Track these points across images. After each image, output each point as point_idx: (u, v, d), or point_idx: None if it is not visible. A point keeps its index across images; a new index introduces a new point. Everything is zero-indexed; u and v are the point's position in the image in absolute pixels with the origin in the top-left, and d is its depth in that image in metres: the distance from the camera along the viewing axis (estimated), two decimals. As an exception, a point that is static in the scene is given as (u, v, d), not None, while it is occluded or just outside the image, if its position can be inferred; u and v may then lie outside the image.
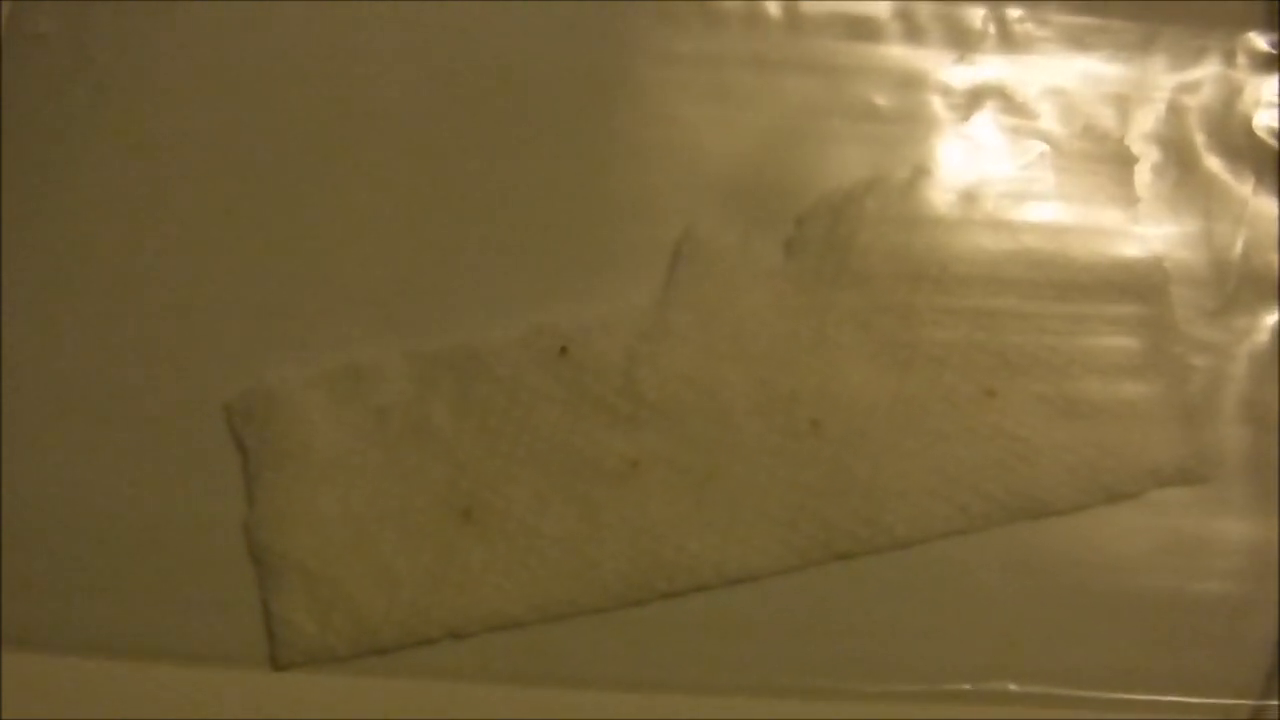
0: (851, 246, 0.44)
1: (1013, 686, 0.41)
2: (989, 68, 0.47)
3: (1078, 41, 0.47)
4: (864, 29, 0.47)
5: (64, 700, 0.40)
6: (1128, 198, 0.45)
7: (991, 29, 0.47)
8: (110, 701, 0.40)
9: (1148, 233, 0.45)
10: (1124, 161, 0.46)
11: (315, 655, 0.40)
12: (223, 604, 0.41)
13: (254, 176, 0.45)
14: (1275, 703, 0.41)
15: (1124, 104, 0.47)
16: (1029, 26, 0.47)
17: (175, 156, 0.45)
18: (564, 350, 0.42)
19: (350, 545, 0.41)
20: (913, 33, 0.47)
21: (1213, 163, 0.46)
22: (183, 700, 0.40)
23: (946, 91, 0.46)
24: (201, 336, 0.43)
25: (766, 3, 0.47)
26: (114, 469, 0.42)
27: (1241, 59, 0.47)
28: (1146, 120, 0.47)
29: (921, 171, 0.45)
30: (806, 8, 0.47)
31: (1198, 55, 0.47)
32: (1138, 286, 0.44)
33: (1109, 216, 0.45)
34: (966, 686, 0.41)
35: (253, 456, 0.42)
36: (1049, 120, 0.46)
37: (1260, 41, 0.47)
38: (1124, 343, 0.44)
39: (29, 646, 0.40)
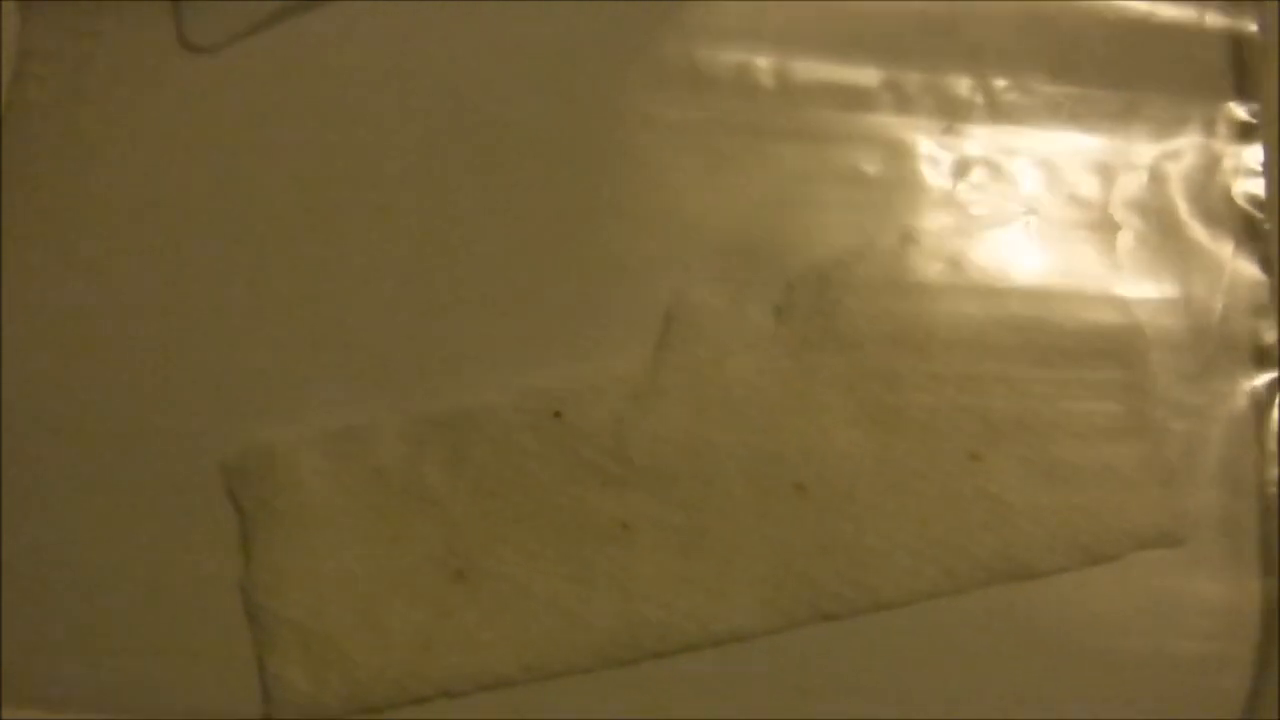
0: (839, 312, 0.44)
1: (992, 747, 0.42)
2: (975, 137, 0.47)
3: (1062, 111, 0.48)
4: (854, 98, 0.47)
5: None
6: (1110, 265, 0.46)
7: (979, 98, 0.48)
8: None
9: (1129, 299, 0.46)
10: (1107, 229, 0.47)
11: (309, 713, 0.41)
12: (217, 661, 0.41)
13: (252, 238, 0.45)
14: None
15: (1107, 172, 0.47)
16: (1014, 96, 0.48)
17: (173, 220, 0.45)
18: (558, 414, 0.43)
19: (345, 604, 0.41)
20: (902, 102, 0.47)
21: (1194, 230, 0.47)
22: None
23: (934, 160, 0.47)
24: (198, 396, 0.44)
25: (758, 71, 0.47)
26: (110, 526, 0.42)
27: (1221, 128, 0.48)
28: (1129, 188, 0.47)
29: (909, 238, 0.46)
30: (798, 76, 0.47)
31: (1178, 124, 0.48)
32: (1119, 352, 0.45)
33: (1092, 282, 0.46)
34: (947, 747, 0.42)
35: (248, 515, 0.42)
36: (1034, 188, 0.47)
37: (1239, 111, 0.48)
38: (1105, 407, 0.44)
39: (23, 703, 0.41)
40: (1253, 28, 0.49)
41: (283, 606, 0.41)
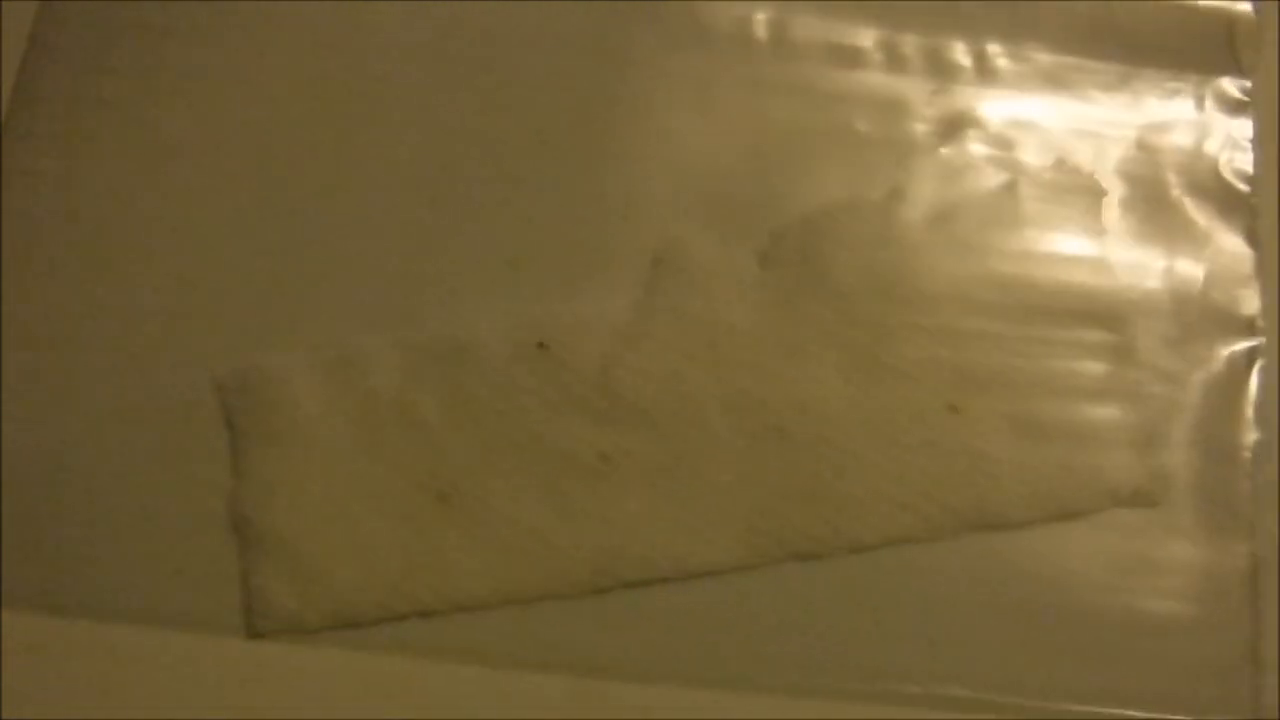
0: (826, 261, 0.45)
1: (960, 692, 0.42)
2: (967, 99, 0.48)
3: (1054, 78, 0.49)
4: (848, 56, 0.48)
5: (37, 659, 0.41)
6: (1095, 229, 0.47)
7: (971, 63, 0.49)
8: (85, 662, 0.41)
9: (1114, 263, 0.47)
10: (1093, 194, 0.47)
11: (289, 625, 0.41)
12: (203, 573, 0.42)
13: (260, 163, 0.46)
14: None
15: (1096, 140, 0.48)
16: (1008, 62, 0.49)
17: (179, 144, 0.47)
18: (542, 345, 0.44)
19: (330, 522, 0.42)
20: (895, 62, 0.48)
21: (1180, 200, 0.48)
22: (157, 663, 0.41)
23: (925, 119, 0.48)
24: (200, 317, 0.44)
25: (756, 24, 0.48)
26: (106, 439, 0.43)
27: (1212, 102, 0.49)
28: (1117, 156, 0.48)
29: (897, 194, 0.47)
30: (795, 33, 0.48)
31: (1170, 97, 0.49)
32: (1101, 314, 0.46)
33: (1077, 246, 0.47)
34: (915, 689, 0.42)
35: (241, 432, 0.43)
36: (1023, 152, 0.48)
37: (1231, 87, 0.49)
38: (1086, 367, 0.45)
39: (8, 605, 0.41)
40: (1246, 6, 0.50)
41: (269, 522, 0.42)
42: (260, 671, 0.41)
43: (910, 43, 0.49)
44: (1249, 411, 0.45)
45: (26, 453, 0.43)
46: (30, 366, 0.44)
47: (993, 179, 0.47)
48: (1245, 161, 0.48)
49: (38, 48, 0.47)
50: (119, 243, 0.45)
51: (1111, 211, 0.47)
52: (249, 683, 0.41)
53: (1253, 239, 0.47)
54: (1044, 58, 0.49)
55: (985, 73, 0.49)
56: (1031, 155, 0.48)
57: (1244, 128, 0.49)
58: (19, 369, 0.44)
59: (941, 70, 0.49)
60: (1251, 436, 0.45)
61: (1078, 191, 0.47)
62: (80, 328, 0.44)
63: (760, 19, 0.48)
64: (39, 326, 0.44)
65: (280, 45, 0.48)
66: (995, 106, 0.48)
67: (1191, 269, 0.47)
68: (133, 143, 0.46)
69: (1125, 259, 0.47)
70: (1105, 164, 0.48)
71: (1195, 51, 0.50)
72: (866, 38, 0.49)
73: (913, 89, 0.48)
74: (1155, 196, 0.48)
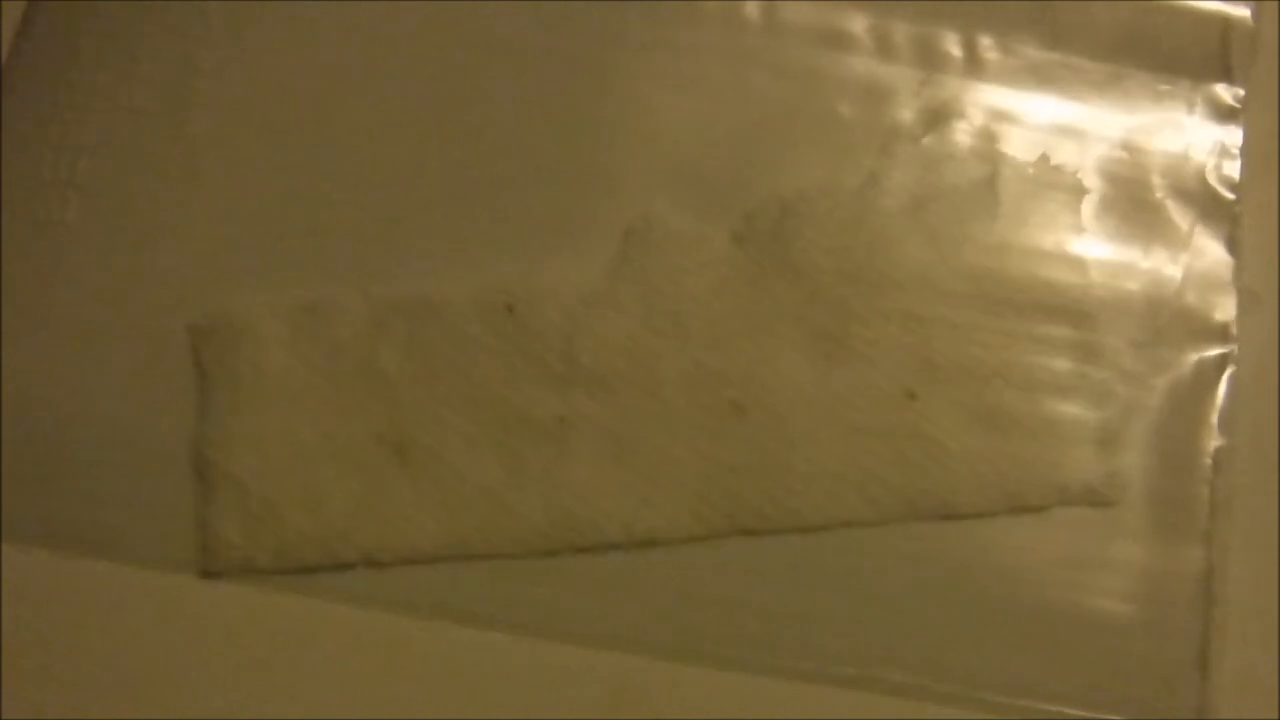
0: (795, 242, 0.45)
1: (898, 676, 0.42)
2: (954, 90, 0.48)
3: (1044, 75, 0.49)
4: (838, 40, 0.48)
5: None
6: (1073, 226, 0.47)
7: (961, 54, 0.49)
8: (38, 591, 0.42)
9: (1089, 261, 0.46)
10: (1074, 192, 0.47)
11: (239, 566, 0.42)
12: (163, 511, 0.43)
13: (242, 121, 0.47)
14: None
15: (1081, 138, 0.48)
16: (999, 56, 0.49)
17: (169, 93, 0.48)
18: (510, 308, 0.45)
19: (286, 467, 0.43)
20: (885, 49, 0.48)
21: (1162, 203, 0.47)
22: (108, 596, 0.42)
23: (909, 108, 0.48)
24: (176, 262, 0.45)
25: (747, 6, 0.49)
26: (76, 373, 0.44)
27: (1203, 108, 0.49)
28: (1101, 155, 0.48)
29: (874, 180, 0.47)
30: (785, 14, 0.49)
31: (1160, 100, 0.49)
32: (1071, 311, 0.46)
33: (1053, 242, 0.46)
34: (853, 670, 0.42)
35: (208, 375, 0.44)
36: (1006, 146, 0.48)
37: (1223, 94, 0.49)
38: (1050, 362, 0.45)
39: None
40: (1244, 10, 0.49)
41: (228, 464, 0.43)
42: (210, 611, 0.42)
43: (901, 31, 0.49)
44: (1213, 418, 0.45)
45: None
46: (7, 303, 0.45)
47: (974, 171, 0.47)
48: (1232, 169, 0.48)
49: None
50: (103, 190, 0.46)
51: (1091, 210, 0.47)
52: (198, 621, 0.42)
53: (1233, 246, 0.47)
54: (1035, 54, 0.49)
55: (975, 65, 0.49)
56: (1015, 150, 0.48)
57: (1234, 135, 0.48)
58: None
59: (931, 60, 0.49)
60: (1214, 443, 0.45)
61: (1058, 188, 0.47)
62: (59, 269, 0.46)
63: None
64: (16, 268, 0.46)
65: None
66: (982, 99, 0.48)
67: (1168, 272, 0.47)
68: (110, 99, 0.47)
69: (1102, 258, 0.47)
70: (1089, 163, 0.48)
71: (1189, 55, 0.49)
72: (858, 23, 0.49)
73: (900, 77, 0.48)
74: (1137, 198, 0.48)
